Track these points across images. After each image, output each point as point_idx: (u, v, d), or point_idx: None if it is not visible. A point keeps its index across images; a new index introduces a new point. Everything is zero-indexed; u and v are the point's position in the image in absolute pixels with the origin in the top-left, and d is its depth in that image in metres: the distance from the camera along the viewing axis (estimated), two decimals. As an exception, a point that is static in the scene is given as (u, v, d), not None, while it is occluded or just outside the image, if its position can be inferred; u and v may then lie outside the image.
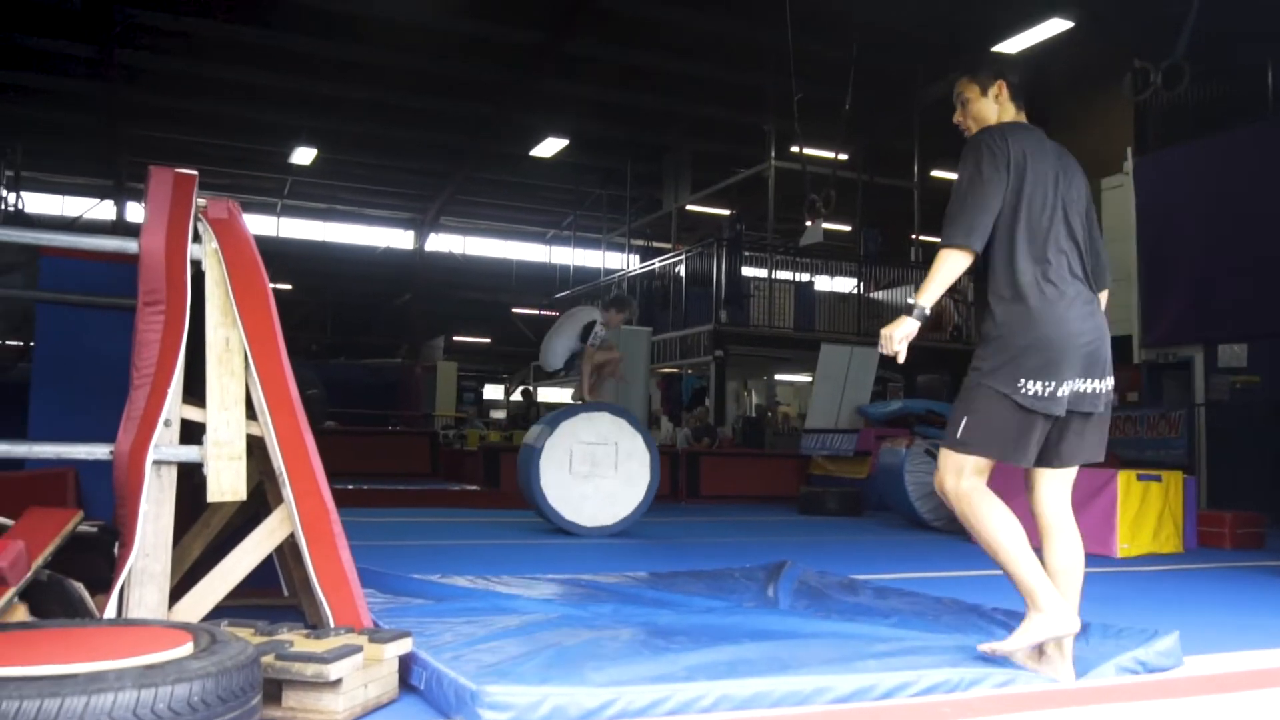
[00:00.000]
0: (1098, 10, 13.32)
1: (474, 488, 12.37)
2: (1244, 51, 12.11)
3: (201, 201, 3.10)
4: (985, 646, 2.93)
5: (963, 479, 2.94)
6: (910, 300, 2.97)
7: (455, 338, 29.18)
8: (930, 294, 2.96)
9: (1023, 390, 2.86)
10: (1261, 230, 10.74)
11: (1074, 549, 3.01)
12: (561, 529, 7.53)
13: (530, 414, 21.73)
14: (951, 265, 2.97)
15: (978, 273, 3.05)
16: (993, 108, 3.18)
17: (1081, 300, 2.96)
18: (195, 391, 2.96)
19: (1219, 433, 11.28)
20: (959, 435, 2.95)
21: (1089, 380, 2.93)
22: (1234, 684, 3.07)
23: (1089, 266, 3.03)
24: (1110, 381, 3.00)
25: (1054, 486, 3.06)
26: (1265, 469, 10.19)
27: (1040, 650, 2.88)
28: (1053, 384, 2.87)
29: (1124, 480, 6.94)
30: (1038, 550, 2.96)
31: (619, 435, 7.78)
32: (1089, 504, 6.98)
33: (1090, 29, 13.63)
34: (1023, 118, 3.19)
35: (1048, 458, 3.01)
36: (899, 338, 2.94)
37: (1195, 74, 9.62)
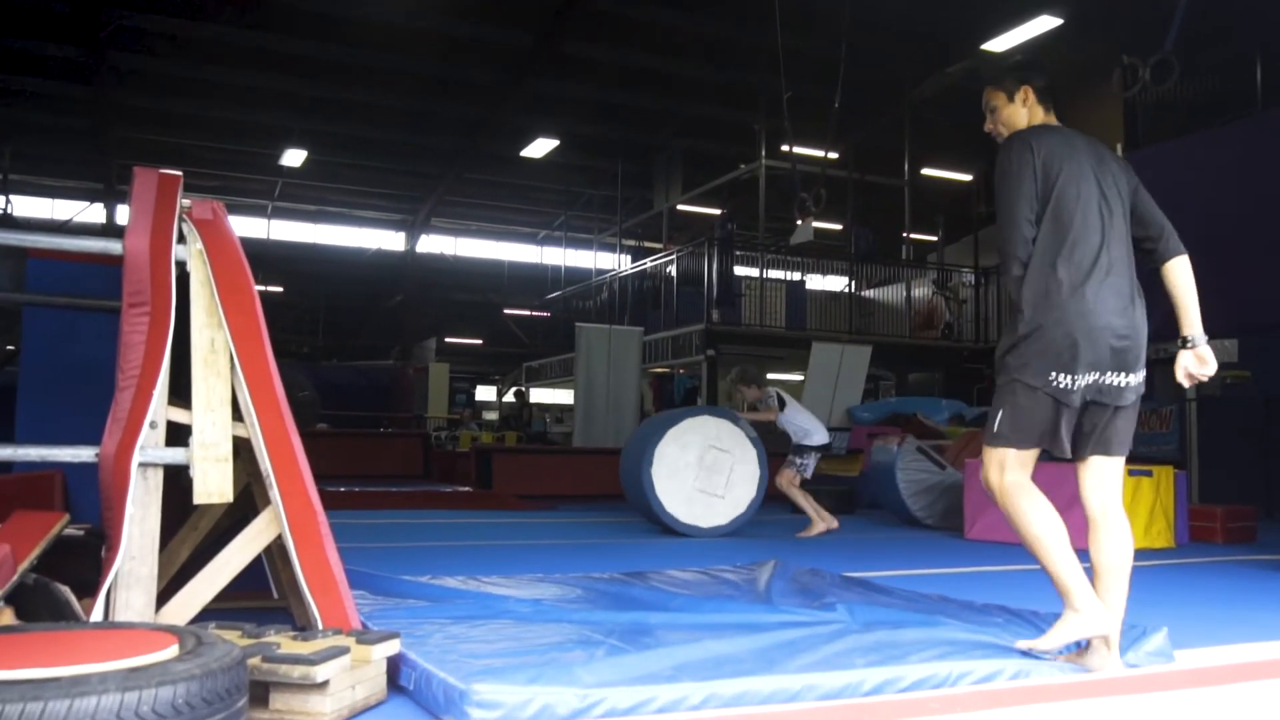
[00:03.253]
0: (1086, 7, 13.35)
1: (466, 489, 12.36)
2: (1233, 46, 12.16)
3: (186, 202, 3.09)
4: (1022, 644, 2.98)
5: (1005, 474, 3.01)
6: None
7: (447, 339, 29.15)
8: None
9: (1053, 383, 2.92)
10: (1251, 225, 10.75)
11: (1119, 544, 3.02)
12: (673, 530, 7.66)
13: (523, 415, 21.74)
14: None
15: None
16: (1021, 113, 3.22)
17: (1114, 294, 2.98)
18: (181, 393, 2.95)
19: (1210, 428, 11.30)
20: (995, 430, 3.02)
21: (1119, 374, 2.98)
22: (1225, 677, 3.07)
23: (1133, 255, 3.11)
24: (1141, 375, 3.06)
25: (1097, 477, 3.10)
26: (1256, 464, 10.23)
27: (1084, 644, 2.95)
28: (1074, 376, 2.92)
29: (1115, 476, 6.96)
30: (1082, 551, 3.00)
31: (729, 440, 7.90)
32: (1080, 499, 7.00)
33: (1079, 25, 13.66)
34: (1052, 119, 3.22)
35: (1086, 447, 3.07)
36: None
37: (1184, 69, 9.65)
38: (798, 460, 8.03)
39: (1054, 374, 2.91)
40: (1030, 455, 3.03)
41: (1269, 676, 3.14)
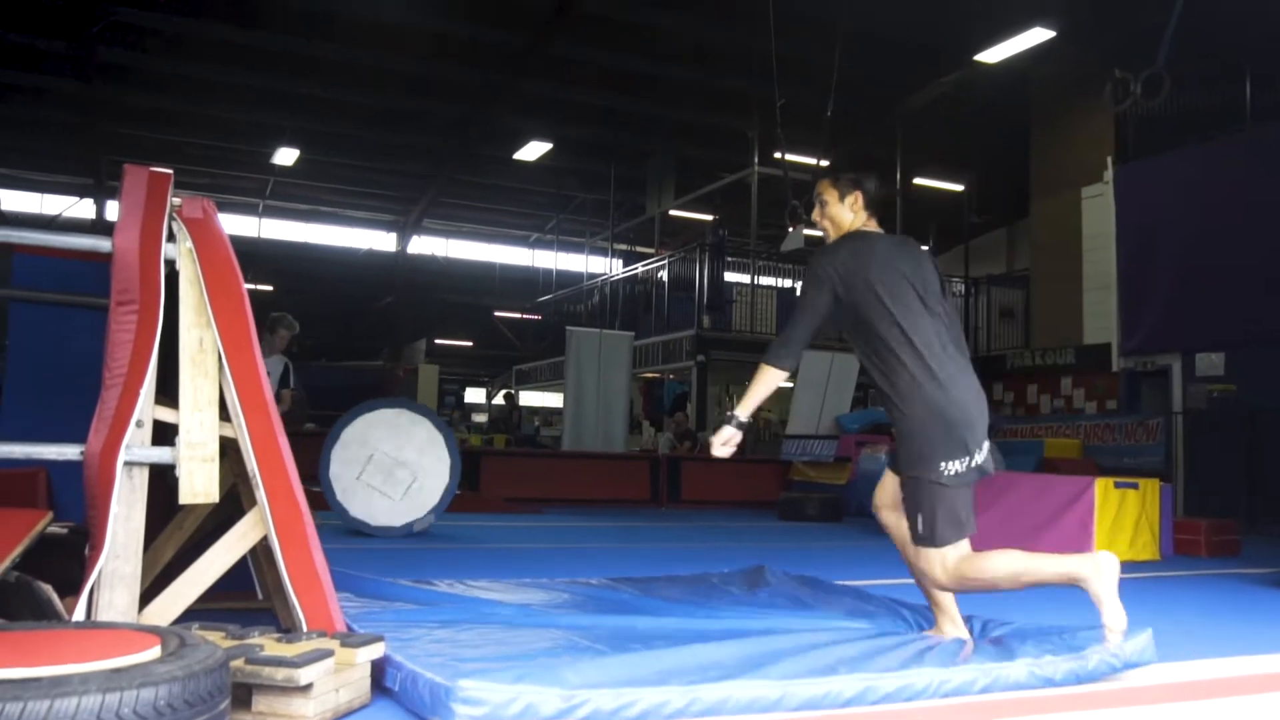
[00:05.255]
0: (1079, 20, 13.41)
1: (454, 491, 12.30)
2: (1224, 61, 12.22)
3: (176, 201, 3.08)
4: (1111, 637, 3.01)
5: (950, 565, 3.14)
6: (730, 413, 3.37)
7: (437, 340, 29.09)
8: (747, 406, 3.37)
9: (945, 472, 3.09)
10: (1239, 240, 10.83)
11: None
12: (354, 529, 7.28)
13: (513, 418, 21.72)
14: (766, 381, 3.38)
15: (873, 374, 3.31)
16: (848, 215, 3.49)
17: (967, 373, 3.22)
18: (168, 392, 2.94)
19: (1196, 441, 11.36)
20: (935, 536, 3.13)
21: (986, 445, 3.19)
22: (1209, 691, 3.09)
23: (957, 339, 3.31)
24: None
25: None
26: (1241, 477, 10.28)
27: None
28: (968, 459, 3.11)
29: (1101, 487, 6.98)
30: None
31: (418, 434, 7.51)
32: (1066, 511, 7.03)
33: (1071, 38, 13.72)
34: (873, 225, 3.50)
35: None
36: (721, 444, 3.35)
37: (1175, 84, 9.70)
38: None
39: (943, 464, 3.10)
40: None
41: (1253, 691, 3.15)
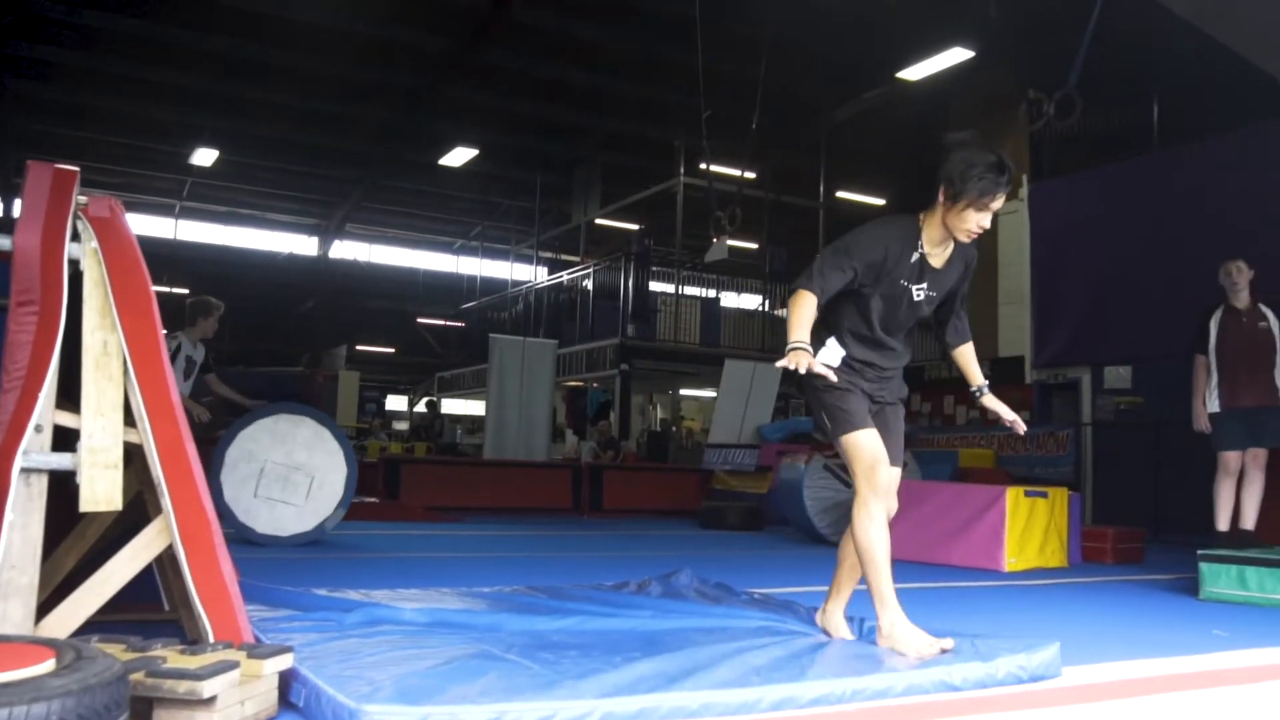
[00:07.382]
0: (997, 41, 13.76)
1: (373, 500, 12.14)
2: (1134, 85, 12.63)
3: (82, 199, 2.99)
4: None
5: None
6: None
7: (358, 347, 28.72)
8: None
9: None
10: (1147, 257, 11.18)
11: None
12: (244, 538, 7.00)
13: (435, 426, 21.53)
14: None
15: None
16: None
17: None
18: (71, 397, 2.85)
19: (1103, 451, 11.68)
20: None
21: None
22: (1112, 693, 3.17)
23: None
24: None
25: None
26: (1145, 487, 10.59)
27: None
28: None
29: (1012, 496, 7.15)
30: None
31: (300, 435, 7.34)
32: (979, 519, 7.18)
33: (990, 59, 14.07)
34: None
35: None
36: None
37: (1087, 105, 10.00)
38: None
39: None
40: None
41: (1155, 692, 3.24)
